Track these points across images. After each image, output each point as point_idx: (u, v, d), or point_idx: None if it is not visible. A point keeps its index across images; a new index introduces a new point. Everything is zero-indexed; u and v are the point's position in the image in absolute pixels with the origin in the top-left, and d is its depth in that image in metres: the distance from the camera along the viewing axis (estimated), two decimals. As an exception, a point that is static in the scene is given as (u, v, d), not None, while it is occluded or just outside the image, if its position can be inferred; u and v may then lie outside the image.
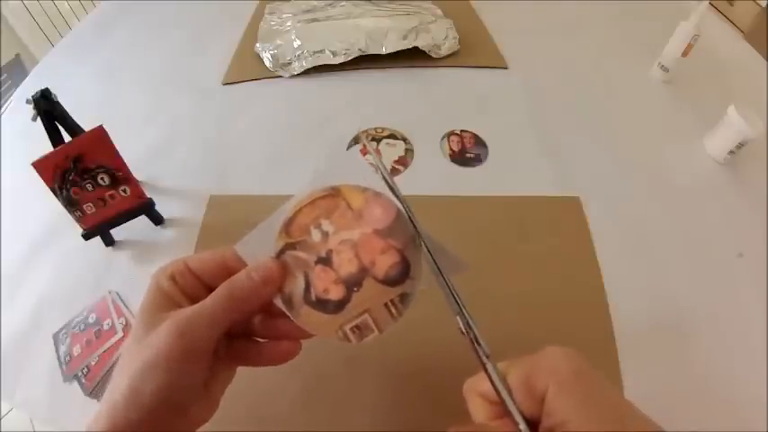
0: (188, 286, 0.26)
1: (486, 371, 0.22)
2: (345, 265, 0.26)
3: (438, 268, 0.24)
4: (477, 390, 0.23)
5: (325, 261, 0.26)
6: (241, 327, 0.27)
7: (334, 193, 0.26)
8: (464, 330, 0.23)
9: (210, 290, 0.26)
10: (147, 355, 0.23)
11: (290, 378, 0.38)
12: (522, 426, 0.20)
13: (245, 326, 0.27)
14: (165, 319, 0.24)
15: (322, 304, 0.26)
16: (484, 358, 0.22)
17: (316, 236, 0.26)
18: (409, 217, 0.26)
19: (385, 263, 0.25)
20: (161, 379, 0.22)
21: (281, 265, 0.26)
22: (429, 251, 0.25)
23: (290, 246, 0.26)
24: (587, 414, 0.19)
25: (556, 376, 0.20)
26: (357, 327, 0.26)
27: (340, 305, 0.25)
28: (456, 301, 0.23)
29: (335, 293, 0.26)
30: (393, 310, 0.25)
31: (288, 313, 0.26)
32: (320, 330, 0.26)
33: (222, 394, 0.27)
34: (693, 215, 0.51)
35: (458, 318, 0.23)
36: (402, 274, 0.25)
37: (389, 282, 0.25)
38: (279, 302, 0.26)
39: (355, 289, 0.25)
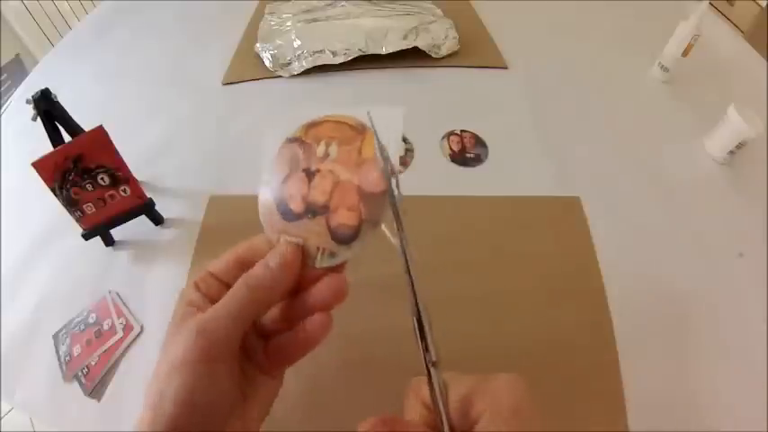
0: (212, 290, 0.26)
1: (429, 378, 0.21)
2: (318, 192, 0.26)
3: (407, 263, 0.23)
4: (417, 391, 0.23)
5: (309, 175, 0.27)
6: (271, 327, 0.27)
7: (361, 130, 0.27)
8: (416, 332, 0.22)
9: None
10: (170, 359, 0.22)
11: (287, 380, 0.38)
12: None
13: (272, 324, 0.27)
14: (189, 324, 0.23)
15: (281, 205, 0.27)
16: (430, 365, 0.21)
17: (320, 150, 0.27)
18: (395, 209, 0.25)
19: (343, 218, 0.25)
20: (182, 379, 0.21)
21: (296, 248, 0.26)
22: (403, 245, 0.24)
23: (300, 142, 0.28)
24: None
25: (494, 406, 0.20)
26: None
27: (291, 217, 0.27)
28: (415, 302, 0.23)
29: (296, 206, 0.27)
30: (317, 257, 0.26)
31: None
32: (266, 223, 0.27)
33: (266, 411, 0.25)
34: (693, 215, 0.51)
35: (413, 318, 0.22)
36: (346, 238, 0.25)
37: (332, 235, 0.26)
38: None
39: (309, 215, 0.26)
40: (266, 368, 0.26)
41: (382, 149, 0.26)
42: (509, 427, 0.20)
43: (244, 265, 0.26)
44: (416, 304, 0.23)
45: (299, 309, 0.26)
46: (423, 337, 0.22)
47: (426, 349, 0.22)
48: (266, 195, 0.28)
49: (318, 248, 0.26)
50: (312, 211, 0.26)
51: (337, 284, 0.25)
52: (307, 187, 0.27)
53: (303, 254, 0.26)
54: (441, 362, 0.21)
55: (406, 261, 0.23)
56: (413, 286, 0.23)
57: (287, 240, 0.26)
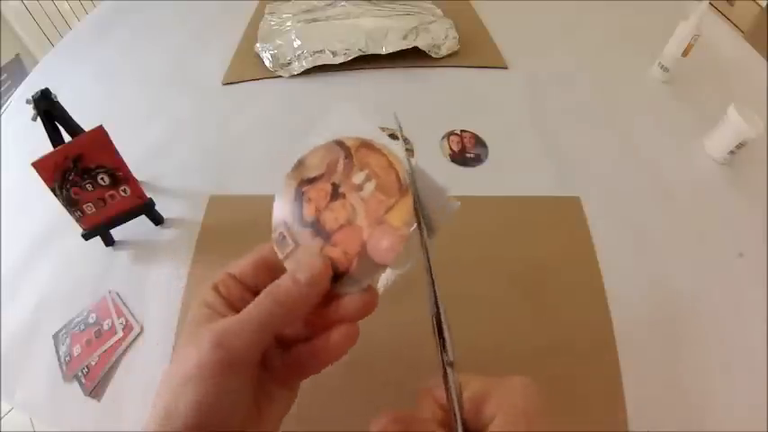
0: (233, 294, 0.25)
1: (445, 377, 0.21)
2: (331, 217, 0.25)
3: (429, 264, 0.23)
4: (431, 392, 0.23)
5: (334, 194, 0.26)
6: (291, 335, 0.25)
7: (404, 190, 0.25)
8: (434, 332, 0.22)
9: (256, 294, 0.25)
10: (183, 369, 0.21)
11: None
12: None
13: (292, 331, 0.26)
14: (208, 330, 0.22)
15: (297, 200, 0.26)
16: (447, 366, 0.22)
17: (358, 178, 0.25)
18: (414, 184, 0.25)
19: (335, 254, 0.25)
20: (195, 393, 0.20)
21: (327, 263, 0.24)
22: (425, 243, 0.24)
23: (347, 153, 0.26)
24: None
25: (506, 408, 0.20)
26: (284, 240, 0.26)
27: (298, 218, 0.26)
28: (435, 301, 0.23)
29: (307, 212, 0.26)
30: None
31: (292, 167, 0.27)
32: (277, 201, 0.27)
33: (280, 420, 0.24)
34: (693, 215, 0.51)
35: (432, 318, 0.23)
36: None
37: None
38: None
39: (312, 230, 0.26)
40: (283, 379, 0.25)
41: (418, 203, 0.24)
42: (520, 430, 0.20)
43: (269, 267, 0.25)
44: (436, 304, 0.23)
45: (323, 318, 0.24)
46: (441, 337, 0.22)
47: (444, 349, 0.22)
48: (291, 177, 0.27)
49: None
50: (317, 229, 0.25)
51: (370, 297, 0.24)
52: (325, 203, 0.26)
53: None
54: (457, 363, 0.22)
55: (428, 261, 0.23)
56: (433, 286, 0.23)
57: (318, 254, 0.25)
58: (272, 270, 0.25)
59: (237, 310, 0.23)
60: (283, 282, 0.23)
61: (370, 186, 0.25)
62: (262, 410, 0.23)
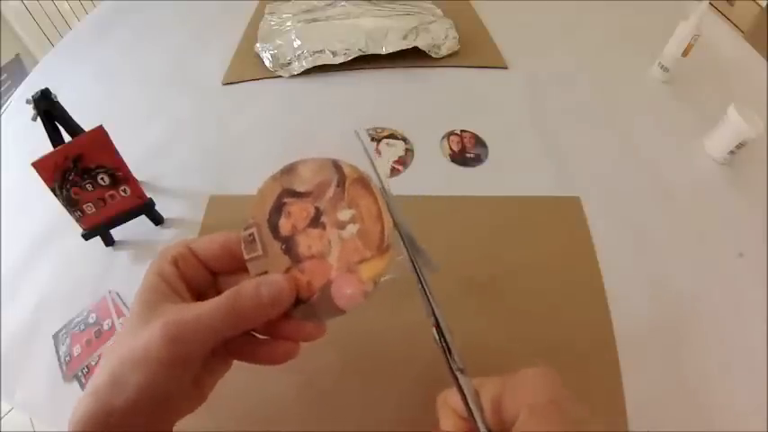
0: (190, 272, 0.25)
1: (457, 385, 0.21)
2: (305, 243, 0.25)
3: (419, 275, 0.23)
4: (449, 402, 0.23)
5: (315, 220, 0.25)
6: None
7: (384, 247, 0.24)
8: (438, 342, 0.22)
9: (213, 275, 0.26)
10: (135, 350, 0.22)
11: (285, 381, 0.38)
12: None
13: None
14: (162, 313, 0.23)
15: (277, 209, 0.26)
16: (457, 372, 0.21)
17: (342, 215, 0.25)
18: (392, 216, 0.24)
19: (300, 280, 0.25)
20: (145, 377, 0.21)
21: (293, 286, 0.24)
22: (411, 258, 0.24)
23: (341, 181, 0.25)
24: None
25: (530, 401, 0.20)
26: (253, 243, 0.26)
27: (274, 228, 0.26)
28: (432, 312, 0.23)
29: (283, 226, 0.26)
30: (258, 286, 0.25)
31: (281, 169, 0.26)
32: (256, 200, 0.26)
33: (212, 388, 0.26)
34: (693, 215, 0.51)
35: (433, 329, 0.23)
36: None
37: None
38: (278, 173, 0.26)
39: (283, 246, 0.25)
40: (223, 356, 0.26)
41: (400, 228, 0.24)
42: (550, 420, 0.19)
43: (233, 255, 0.26)
44: (434, 314, 0.23)
45: (269, 327, 0.25)
46: (446, 346, 0.22)
47: (451, 356, 0.22)
48: (277, 181, 0.26)
49: (261, 278, 0.25)
50: (288, 247, 0.25)
51: (319, 328, 0.25)
52: (303, 225, 0.25)
53: (252, 266, 0.25)
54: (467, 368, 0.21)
55: (420, 277, 0.23)
56: (428, 297, 0.23)
57: (286, 276, 0.25)
58: (235, 259, 0.26)
59: (192, 286, 0.25)
60: (246, 291, 0.24)
61: (352, 229, 0.25)
62: (200, 384, 0.25)
